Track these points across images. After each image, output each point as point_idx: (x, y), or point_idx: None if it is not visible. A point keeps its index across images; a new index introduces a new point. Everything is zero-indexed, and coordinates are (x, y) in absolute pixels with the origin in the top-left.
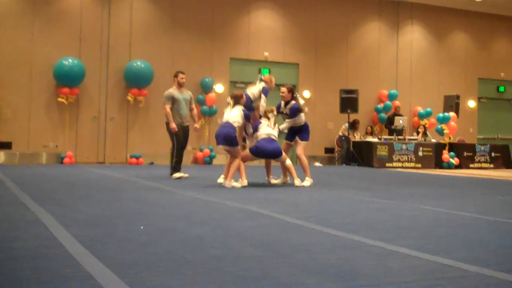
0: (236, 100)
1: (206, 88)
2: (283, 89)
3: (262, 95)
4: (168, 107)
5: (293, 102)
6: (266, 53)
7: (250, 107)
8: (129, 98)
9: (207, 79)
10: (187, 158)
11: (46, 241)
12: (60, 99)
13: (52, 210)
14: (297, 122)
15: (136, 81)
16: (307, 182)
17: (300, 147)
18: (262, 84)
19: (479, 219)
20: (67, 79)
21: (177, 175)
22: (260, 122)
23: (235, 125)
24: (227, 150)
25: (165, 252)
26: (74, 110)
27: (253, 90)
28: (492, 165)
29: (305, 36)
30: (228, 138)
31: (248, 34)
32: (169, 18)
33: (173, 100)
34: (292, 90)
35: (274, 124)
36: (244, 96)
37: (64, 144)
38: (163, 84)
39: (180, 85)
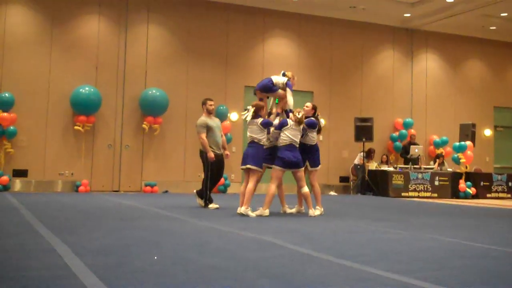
0: (257, 111)
1: (221, 116)
2: (309, 104)
3: (288, 89)
4: (203, 136)
5: (312, 118)
6: None
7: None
8: (144, 126)
9: (221, 107)
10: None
11: (60, 271)
12: (76, 127)
13: (66, 238)
14: (309, 138)
15: (151, 109)
16: (318, 211)
17: (313, 176)
18: (285, 79)
19: (496, 250)
20: (84, 107)
21: (213, 206)
22: (287, 123)
23: (261, 143)
24: (251, 169)
25: (178, 283)
26: (90, 138)
27: (277, 78)
28: (509, 195)
29: (320, 64)
30: (255, 158)
31: (262, 62)
32: (184, 47)
33: (207, 128)
34: (315, 108)
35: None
36: (265, 108)
37: (79, 172)
38: (178, 112)
39: (209, 112)
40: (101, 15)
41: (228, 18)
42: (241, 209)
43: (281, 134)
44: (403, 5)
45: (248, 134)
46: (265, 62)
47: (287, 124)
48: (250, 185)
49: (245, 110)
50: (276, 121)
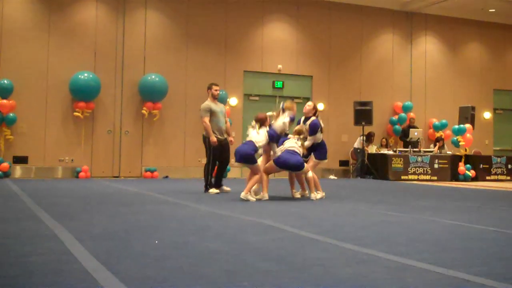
0: (262, 123)
1: (220, 101)
2: (310, 103)
3: (287, 121)
4: (207, 120)
5: (313, 118)
6: (279, 66)
7: (276, 138)
8: (143, 111)
9: (221, 92)
10: (202, 171)
11: (61, 256)
12: (76, 114)
13: (67, 224)
14: (317, 138)
15: (150, 94)
16: (319, 194)
17: (311, 163)
18: (286, 115)
19: (496, 232)
20: (83, 93)
21: (213, 191)
22: (288, 138)
23: (257, 145)
24: (247, 166)
25: (179, 266)
26: (89, 124)
27: (278, 123)
28: (509, 177)
29: (319, 48)
30: (245, 156)
31: (261, 47)
32: (183, 32)
33: (211, 113)
34: (316, 109)
35: (301, 144)
36: (268, 119)
37: (79, 158)
38: (177, 98)
39: (214, 97)
40: (99, 1)
41: (227, 2)
42: (242, 195)
43: (283, 146)
44: None
45: (249, 138)
46: (264, 46)
47: (285, 140)
48: (255, 175)
49: (252, 127)
50: (286, 119)
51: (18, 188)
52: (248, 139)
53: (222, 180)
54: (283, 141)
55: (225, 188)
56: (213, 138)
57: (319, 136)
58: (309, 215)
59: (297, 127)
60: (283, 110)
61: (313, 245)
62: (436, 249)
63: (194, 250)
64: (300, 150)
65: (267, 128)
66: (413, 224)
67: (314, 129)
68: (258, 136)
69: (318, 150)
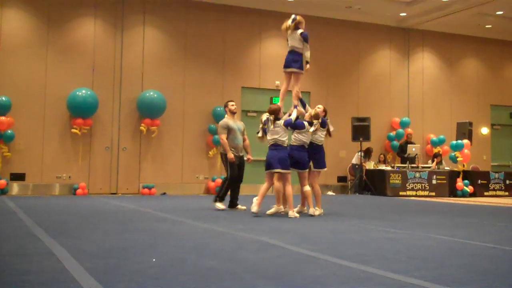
0: (276, 114)
1: (218, 118)
2: (320, 106)
3: (305, 44)
4: (224, 137)
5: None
6: (277, 82)
7: (294, 124)
8: (141, 128)
9: (218, 109)
10: (199, 188)
11: (59, 275)
12: (74, 130)
13: (64, 242)
14: (317, 136)
15: (148, 111)
16: (318, 211)
17: (315, 177)
18: (293, 110)
19: (494, 248)
20: (81, 110)
21: (219, 205)
22: (304, 126)
23: (285, 145)
24: (281, 173)
25: (176, 285)
26: (87, 141)
27: (290, 113)
28: (507, 193)
29: (316, 64)
30: (283, 161)
31: (259, 63)
32: (181, 48)
33: (228, 130)
34: (326, 111)
35: (315, 130)
36: (281, 108)
37: (77, 175)
38: (175, 114)
39: (232, 113)
40: (97, 18)
41: (224, 19)
42: (290, 213)
43: (294, 135)
44: (398, 4)
45: (270, 137)
46: (262, 63)
47: (304, 127)
48: (289, 188)
49: (264, 121)
50: (294, 114)
51: (15, 205)
52: (269, 137)
53: (237, 199)
54: (300, 125)
55: (240, 207)
56: (230, 155)
57: (322, 136)
58: (307, 232)
59: (314, 112)
60: (295, 25)
61: (311, 262)
62: (434, 266)
63: (191, 268)
64: (307, 143)
65: (282, 122)
66: (411, 241)
67: (323, 122)
68: (278, 135)
69: (316, 155)
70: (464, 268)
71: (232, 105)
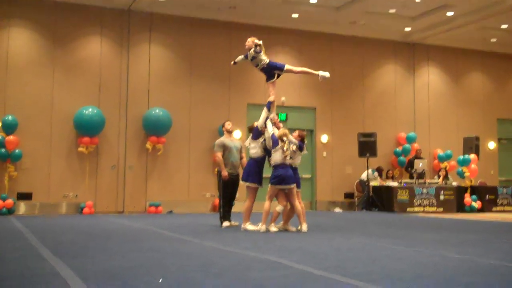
0: (251, 130)
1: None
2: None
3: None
4: (219, 155)
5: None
6: (283, 98)
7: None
8: (147, 146)
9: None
10: (206, 206)
11: None
12: (80, 149)
13: (70, 262)
14: (296, 160)
15: (154, 129)
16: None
17: (295, 196)
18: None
19: (504, 266)
20: (87, 128)
21: (226, 224)
22: (278, 144)
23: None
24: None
25: None
26: (93, 159)
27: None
28: None
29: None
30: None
31: (265, 79)
32: (187, 66)
33: (224, 148)
34: (303, 138)
35: (286, 150)
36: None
37: (84, 193)
38: (181, 132)
39: (228, 132)
40: (103, 36)
41: (230, 36)
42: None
43: (273, 157)
44: (403, 19)
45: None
46: None
47: (277, 144)
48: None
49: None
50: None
51: (22, 225)
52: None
53: (230, 215)
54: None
55: (233, 223)
56: (224, 172)
57: (299, 160)
58: (314, 250)
59: (281, 132)
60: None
61: (318, 281)
62: (441, 285)
63: (198, 287)
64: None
65: (262, 140)
66: (418, 258)
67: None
68: (254, 148)
69: (296, 177)
70: (472, 287)
71: (228, 124)
